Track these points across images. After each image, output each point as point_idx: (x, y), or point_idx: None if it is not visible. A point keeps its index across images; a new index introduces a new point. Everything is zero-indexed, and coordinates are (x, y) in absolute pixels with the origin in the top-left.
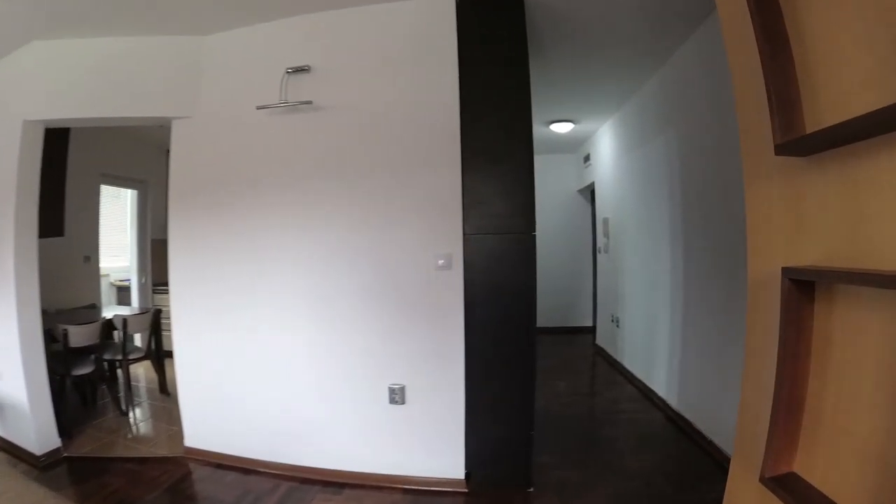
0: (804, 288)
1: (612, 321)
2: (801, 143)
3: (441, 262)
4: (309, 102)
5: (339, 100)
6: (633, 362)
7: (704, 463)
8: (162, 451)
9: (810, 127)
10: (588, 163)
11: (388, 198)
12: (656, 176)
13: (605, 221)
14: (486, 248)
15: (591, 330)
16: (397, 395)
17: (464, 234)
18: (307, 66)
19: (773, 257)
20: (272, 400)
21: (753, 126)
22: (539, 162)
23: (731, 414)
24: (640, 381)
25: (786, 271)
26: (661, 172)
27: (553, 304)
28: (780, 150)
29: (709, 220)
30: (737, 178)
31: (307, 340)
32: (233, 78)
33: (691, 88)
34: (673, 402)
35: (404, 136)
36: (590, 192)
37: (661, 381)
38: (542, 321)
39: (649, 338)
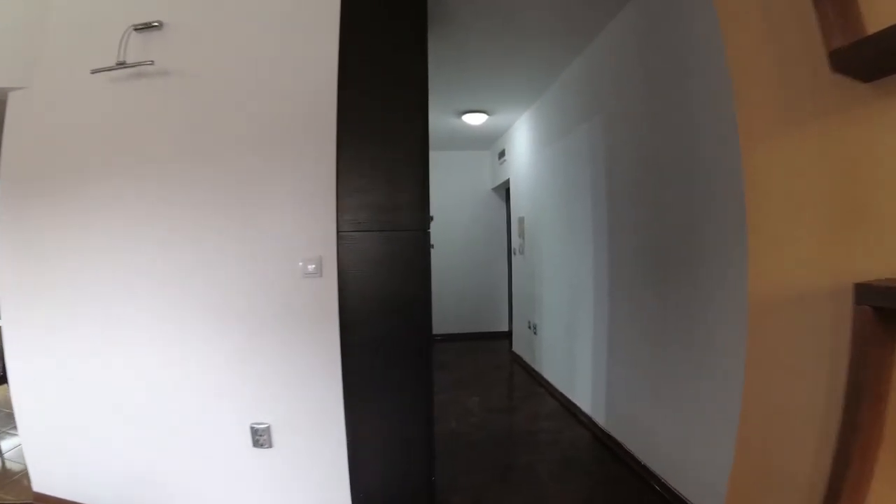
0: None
1: (529, 328)
2: (864, 50)
3: (310, 267)
4: (150, 63)
5: (192, 64)
6: (552, 373)
7: (640, 491)
8: (9, 498)
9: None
10: (503, 159)
11: (245, 191)
12: (578, 168)
13: (521, 221)
14: (366, 250)
15: (508, 335)
16: (262, 437)
17: (338, 232)
18: (158, 21)
19: (800, 262)
20: (122, 443)
21: (759, 48)
22: (451, 158)
23: (667, 435)
24: (561, 393)
25: (863, 293)
26: (584, 164)
27: (466, 308)
28: (840, 62)
29: (640, 216)
30: (681, 164)
31: (154, 368)
32: (79, 40)
33: (623, 66)
34: (600, 419)
35: (264, 113)
36: (505, 191)
37: (584, 396)
38: (454, 327)
39: (570, 347)
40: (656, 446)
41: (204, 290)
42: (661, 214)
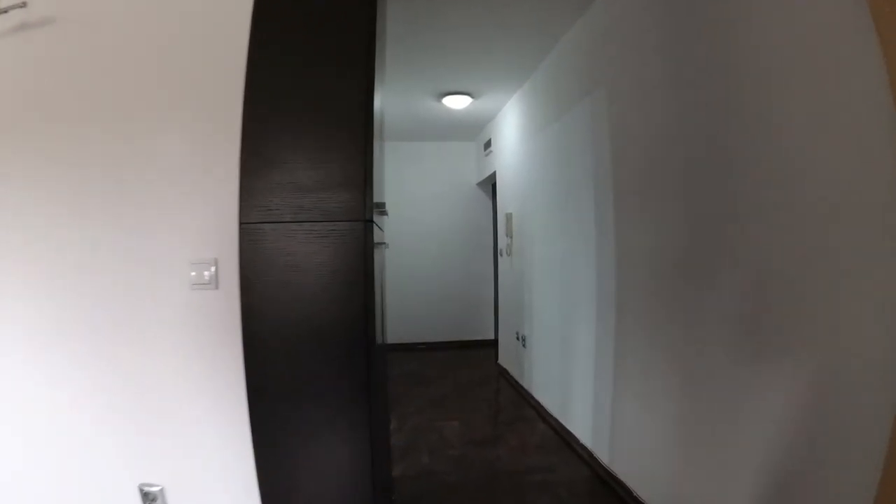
0: None
1: (518, 339)
2: None
3: (203, 275)
4: (23, 5)
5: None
6: (544, 393)
7: None
8: None
9: None
10: (489, 150)
11: (122, 164)
12: (576, 155)
13: (508, 218)
14: (279, 250)
15: (494, 343)
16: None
17: (241, 224)
18: None
19: None
20: None
21: None
22: (432, 149)
23: (694, 489)
24: (554, 418)
25: None
26: (583, 149)
27: (449, 314)
28: None
29: (657, 210)
30: (714, 143)
31: (16, 419)
32: None
33: (636, 24)
34: (602, 454)
35: (144, 68)
36: (491, 186)
37: (583, 424)
38: (435, 335)
39: (566, 366)
40: (678, 495)
41: (74, 305)
42: (687, 208)
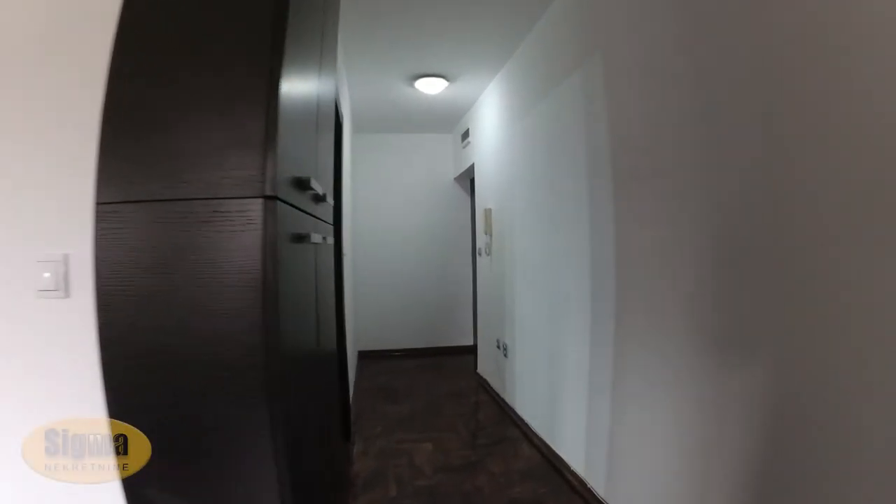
0: None
1: (499, 348)
2: None
3: (50, 277)
4: None
5: None
6: (529, 410)
7: None
8: None
9: None
10: (467, 140)
11: None
12: (565, 137)
13: (487, 214)
14: (147, 239)
15: (473, 350)
16: None
17: (97, 205)
18: None
19: None
20: None
21: None
22: (405, 142)
23: None
24: (540, 439)
25: None
26: (575, 130)
27: (423, 319)
28: None
29: (671, 195)
30: (756, 97)
31: None
32: None
33: None
34: (598, 484)
35: None
36: (470, 181)
37: (575, 448)
38: (408, 341)
39: (554, 381)
40: None
41: None
42: (713, 195)
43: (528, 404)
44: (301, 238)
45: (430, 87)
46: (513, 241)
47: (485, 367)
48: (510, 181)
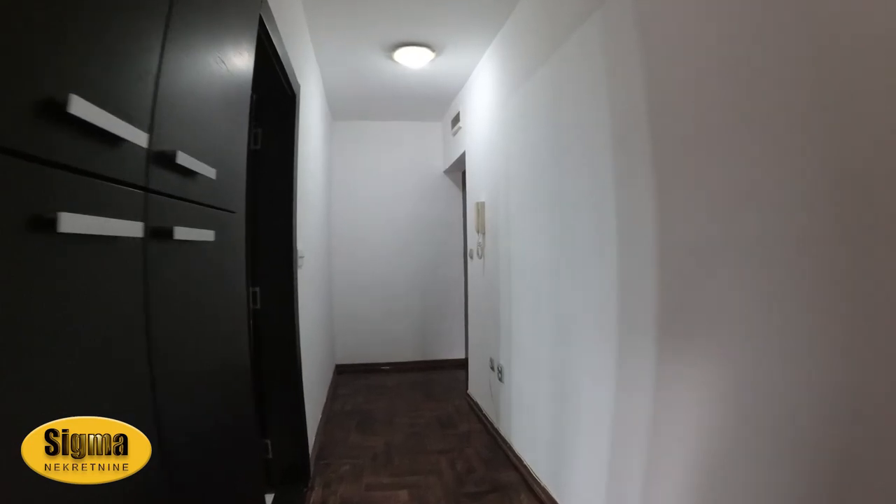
0: None
1: (493, 369)
2: None
3: None
4: None
5: None
6: (529, 450)
7: None
8: None
9: None
10: (457, 126)
11: None
12: (577, 105)
13: (479, 208)
14: None
15: (464, 364)
16: None
17: None
18: None
19: None
20: None
21: None
22: (389, 132)
23: None
24: (543, 487)
25: None
26: (591, 93)
27: (408, 329)
28: None
29: (759, 166)
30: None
31: None
32: None
33: None
34: None
35: None
36: (461, 173)
37: None
38: (391, 354)
39: (561, 417)
40: None
41: None
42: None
43: (528, 443)
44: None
45: (413, 59)
46: (509, 239)
47: (477, 388)
48: (505, 167)
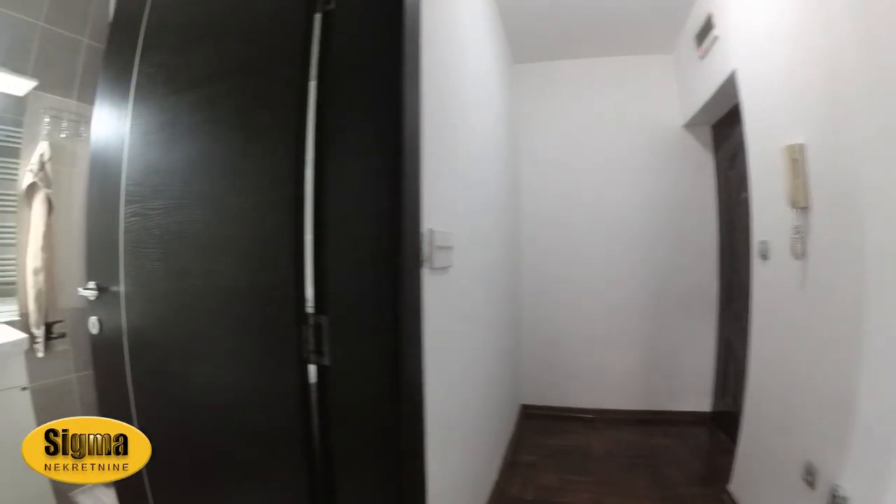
0: None
1: (810, 484)
2: None
3: None
4: None
5: None
6: None
7: None
8: None
9: None
10: (709, 37)
11: None
12: None
13: (793, 158)
14: None
15: (705, 421)
16: None
17: None
18: None
19: None
20: None
21: None
22: (591, 73)
23: None
24: None
25: None
26: None
27: (622, 365)
28: None
29: None
30: None
31: None
32: None
33: None
34: None
35: None
36: (712, 125)
37: None
38: (595, 399)
39: None
40: None
41: None
42: None
43: None
44: None
45: None
46: (874, 216)
47: (750, 490)
48: (854, 74)
